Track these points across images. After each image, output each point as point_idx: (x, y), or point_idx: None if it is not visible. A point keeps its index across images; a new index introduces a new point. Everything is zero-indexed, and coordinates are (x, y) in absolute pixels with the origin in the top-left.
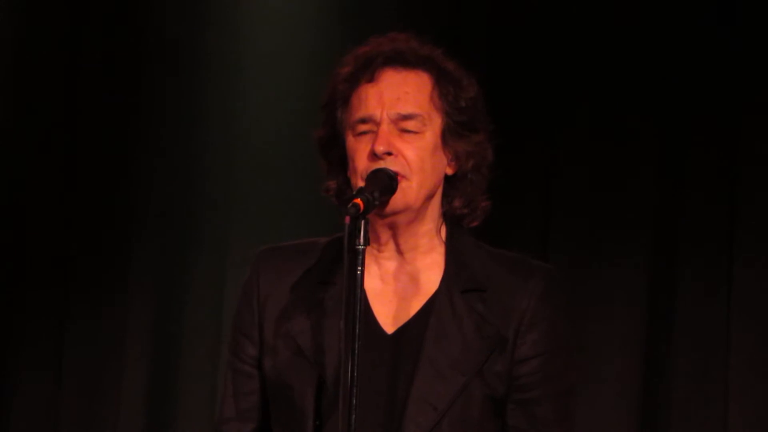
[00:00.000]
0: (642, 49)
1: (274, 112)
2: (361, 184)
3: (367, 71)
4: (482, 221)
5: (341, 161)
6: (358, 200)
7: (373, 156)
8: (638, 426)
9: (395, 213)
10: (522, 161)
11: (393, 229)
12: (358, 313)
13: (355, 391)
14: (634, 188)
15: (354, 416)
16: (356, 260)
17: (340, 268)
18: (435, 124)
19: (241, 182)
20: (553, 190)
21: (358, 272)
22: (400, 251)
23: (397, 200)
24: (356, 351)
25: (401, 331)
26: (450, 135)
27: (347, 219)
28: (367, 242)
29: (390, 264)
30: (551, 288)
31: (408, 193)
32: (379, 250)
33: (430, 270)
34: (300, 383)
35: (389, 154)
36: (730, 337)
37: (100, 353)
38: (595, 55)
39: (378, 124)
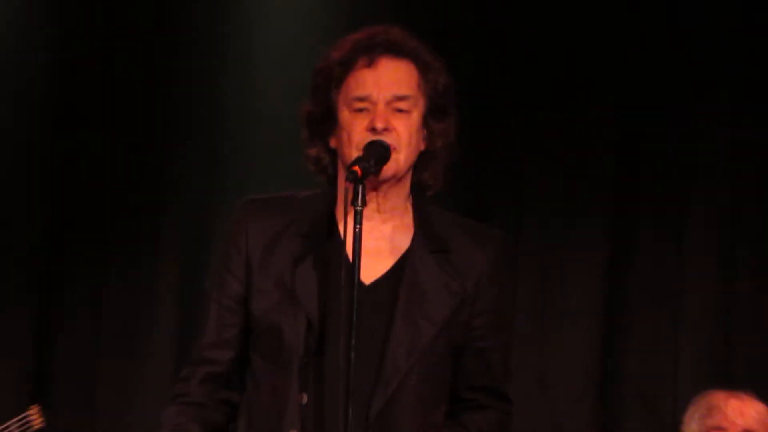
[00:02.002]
0: (603, 42)
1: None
2: (356, 153)
3: (366, 57)
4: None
5: (324, 134)
6: (356, 167)
7: (372, 130)
8: (600, 354)
9: (385, 180)
10: (496, 143)
11: (376, 192)
12: (357, 265)
13: (353, 334)
14: (595, 172)
15: (353, 355)
16: (355, 219)
17: (325, 224)
18: (420, 105)
19: (256, 154)
20: (526, 173)
21: (357, 230)
22: (379, 211)
23: (388, 169)
24: (355, 299)
25: (377, 283)
26: (429, 116)
27: (346, 184)
28: (364, 203)
29: (368, 223)
30: (504, 252)
31: (398, 163)
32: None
33: (401, 231)
34: (289, 324)
35: (386, 129)
36: (685, 284)
37: (136, 301)
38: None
39: (375, 103)
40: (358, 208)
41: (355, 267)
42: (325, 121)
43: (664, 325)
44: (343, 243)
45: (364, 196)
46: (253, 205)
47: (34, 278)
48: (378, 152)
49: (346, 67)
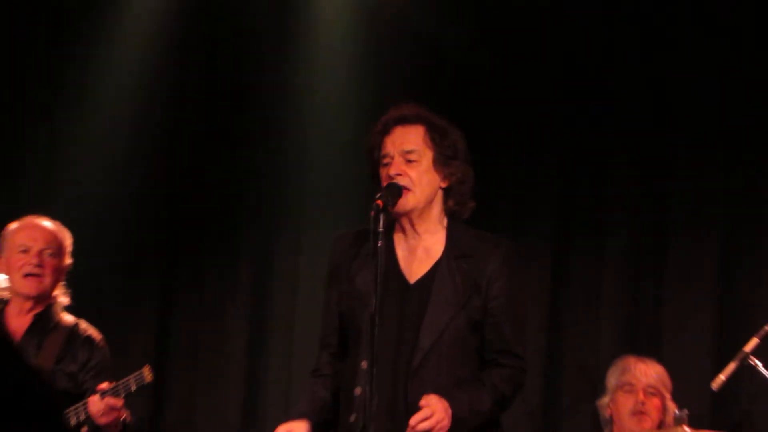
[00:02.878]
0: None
1: (335, 121)
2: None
3: (386, 128)
4: (470, 214)
5: (379, 183)
6: (379, 201)
7: (389, 178)
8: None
9: (405, 212)
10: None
11: (411, 220)
12: (378, 268)
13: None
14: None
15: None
16: (376, 237)
17: (380, 245)
18: (427, 156)
19: (312, 185)
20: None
21: (380, 245)
22: (416, 233)
23: (404, 204)
24: (377, 296)
25: (419, 282)
26: (438, 162)
27: (372, 213)
28: (389, 228)
29: (412, 241)
30: (509, 255)
31: (411, 199)
32: (404, 233)
33: (436, 244)
34: (358, 315)
35: (399, 174)
36: (604, 272)
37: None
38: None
39: (392, 158)
40: (380, 230)
41: (377, 270)
42: (376, 174)
43: (590, 310)
44: (392, 253)
45: (382, 221)
46: (336, 239)
47: (157, 273)
48: (393, 190)
49: (379, 137)
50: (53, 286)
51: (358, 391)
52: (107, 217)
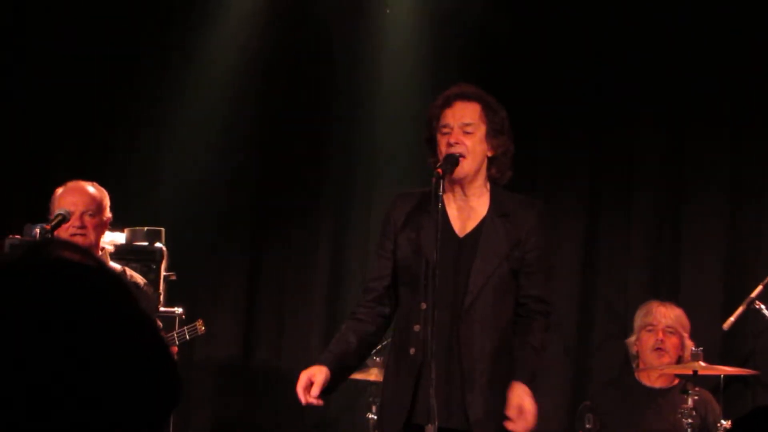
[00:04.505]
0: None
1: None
2: (441, 159)
3: (448, 102)
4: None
5: (434, 148)
6: (439, 170)
7: (449, 145)
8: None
9: (461, 178)
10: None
11: (462, 184)
12: (437, 224)
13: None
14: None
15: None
16: (437, 199)
17: (436, 204)
18: (481, 129)
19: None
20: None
21: (440, 205)
22: (465, 195)
23: (460, 170)
24: (438, 248)
25: (467, 235)
26: (489, 135)
27: (433, 179)
28: (443, 191)
29: (461, 202)
30: (542, 214)
31: (465, 166)
32: (454, 195)
33: (482, 205)
34: (416, 262)
35: (457, 143)
36: (630, 228)
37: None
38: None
39: (452, 128)
40: (441, 193)
41: (436, 226)
42: (432, 140)
43: (620, 260)
44: (443, 212)
45: (443, 186)
46: (398, 197)
47: (247, 240)
48: (452, 160)
49: (440, 108)
50: (97, 240)
51: (417, 327)
52: (209, 185)
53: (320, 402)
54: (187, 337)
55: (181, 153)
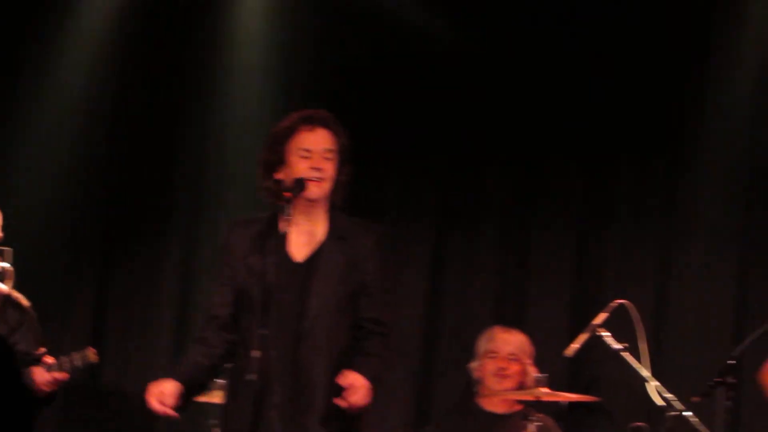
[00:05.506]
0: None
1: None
2: (290, 183)
3: (307, 126)
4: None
5: (273, 170)
6: (287, 193)
7: (312, 170)
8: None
9: (315, 199)
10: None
11: (306, 209)
12: (276, 249)
13: (278, 295)
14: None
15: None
16: (287, 223)
17: (274, 229)
18: (336, 155)
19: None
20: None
21: (288, 231)
22: (308, 219)
23: (317, 193)
24: (272, 274)
25: (307, 260)
26: (340, 161)
27: (282, 203)
28: (287, 215)
29: (303, 225)
30: (380, 238)
31: (324, 189)
32: (297, 219)
33: (321, 229)
34: (255, 289)
35: (321, 169)
36: (477, 259)
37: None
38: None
39: (312, 153)
40: (288, 217)
41: (277, 252)
42: (278, 163)
43: (468, 289)
44: (283, 237)
45: (291, 209)
46: (234, 223)
47: (96, 261)
48: (299, 185)
49: (294, 132)
50: None
51: (256, 353)
52: (58, 206)
53: (176, 414)
54: (79, 365)
55: (29, 173)
